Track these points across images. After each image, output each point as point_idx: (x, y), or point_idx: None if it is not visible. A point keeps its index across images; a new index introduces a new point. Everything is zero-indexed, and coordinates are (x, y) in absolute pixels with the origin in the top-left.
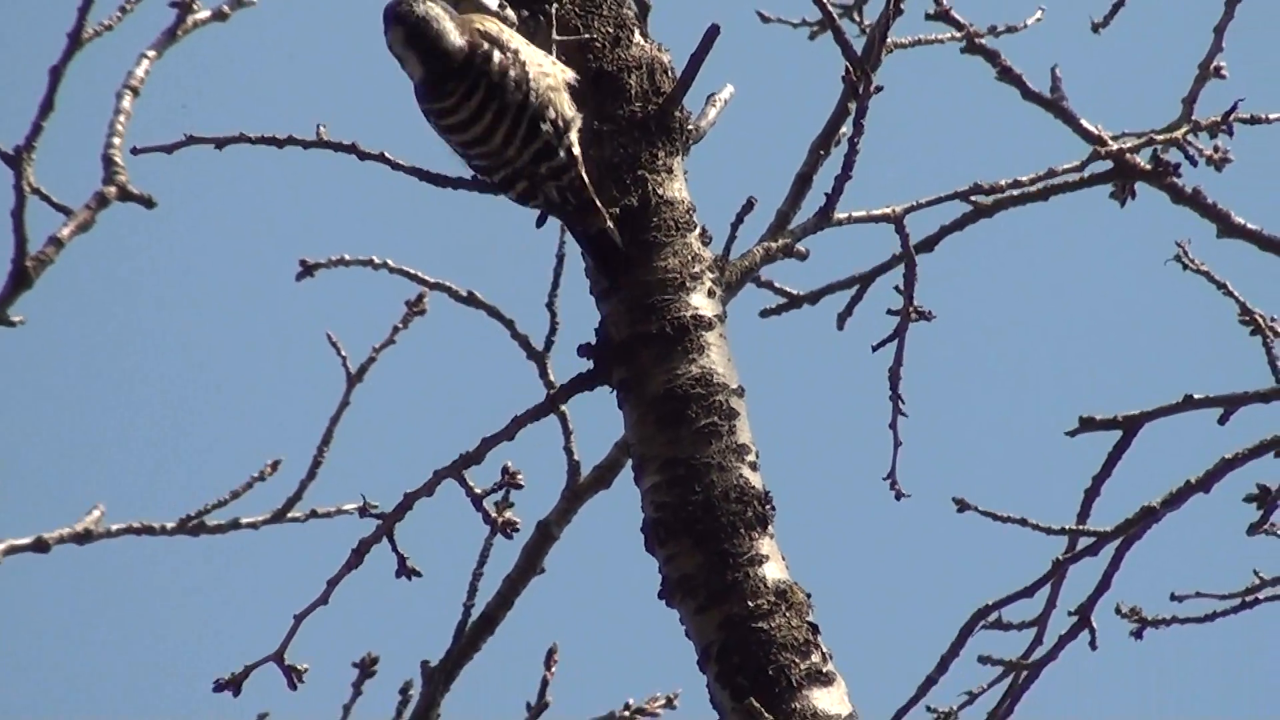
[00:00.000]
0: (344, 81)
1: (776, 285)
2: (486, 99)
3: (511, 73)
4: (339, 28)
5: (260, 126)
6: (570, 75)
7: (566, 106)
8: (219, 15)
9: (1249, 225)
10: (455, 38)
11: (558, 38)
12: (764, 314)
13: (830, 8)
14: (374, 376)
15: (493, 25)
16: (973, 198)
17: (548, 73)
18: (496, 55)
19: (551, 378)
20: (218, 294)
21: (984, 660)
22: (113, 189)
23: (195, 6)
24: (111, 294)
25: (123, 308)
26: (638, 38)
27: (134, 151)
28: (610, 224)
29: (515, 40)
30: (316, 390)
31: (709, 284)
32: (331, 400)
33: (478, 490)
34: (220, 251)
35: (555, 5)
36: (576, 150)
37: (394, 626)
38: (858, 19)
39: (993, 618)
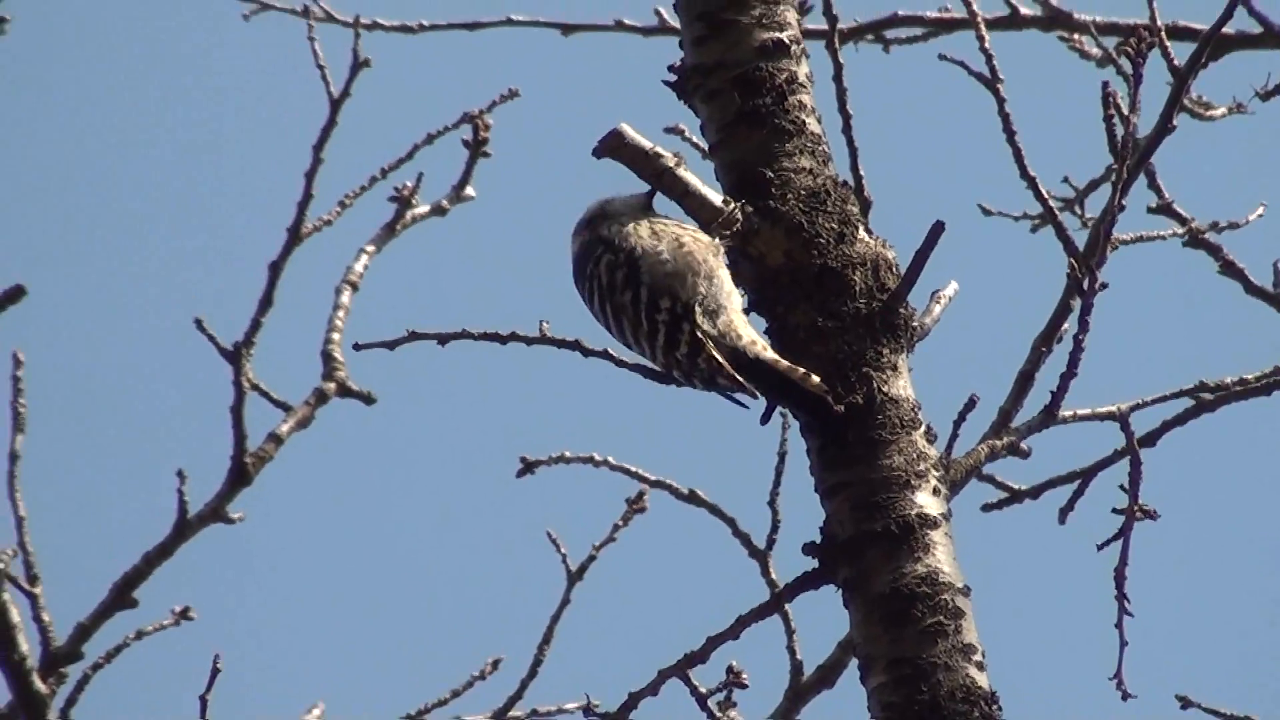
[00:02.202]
0: (565, 273)
1: (998, 479)
2: (601, 302)
3: (620, 273)
4: (557, 219)
5: (479, 320)
6: (704, 246)
7: (687, 289)
8: (438, 210)
9: None
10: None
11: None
12: (985, 508)
13: (1050, 201)
14: (595, 574)
15: (634, 227)
16: (1199, 395)
17: (665, 259)
18: (606, 258)
19: (773, 576)
20: (436, 490)
21: None
22: (332, 385)
23: (414, 201)
24: (329, 488)
25: (341, 502)
26: (862, 234)
27: (355, 348)
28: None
29: (634, 237)
30: (537, 588)
31: (934, 482)
32: (552, 598)
33: (702, 689)
34: (439, 447)
35: (772, 202)
36: (705, 326)
37: None
38: (1079, 212)
39: None
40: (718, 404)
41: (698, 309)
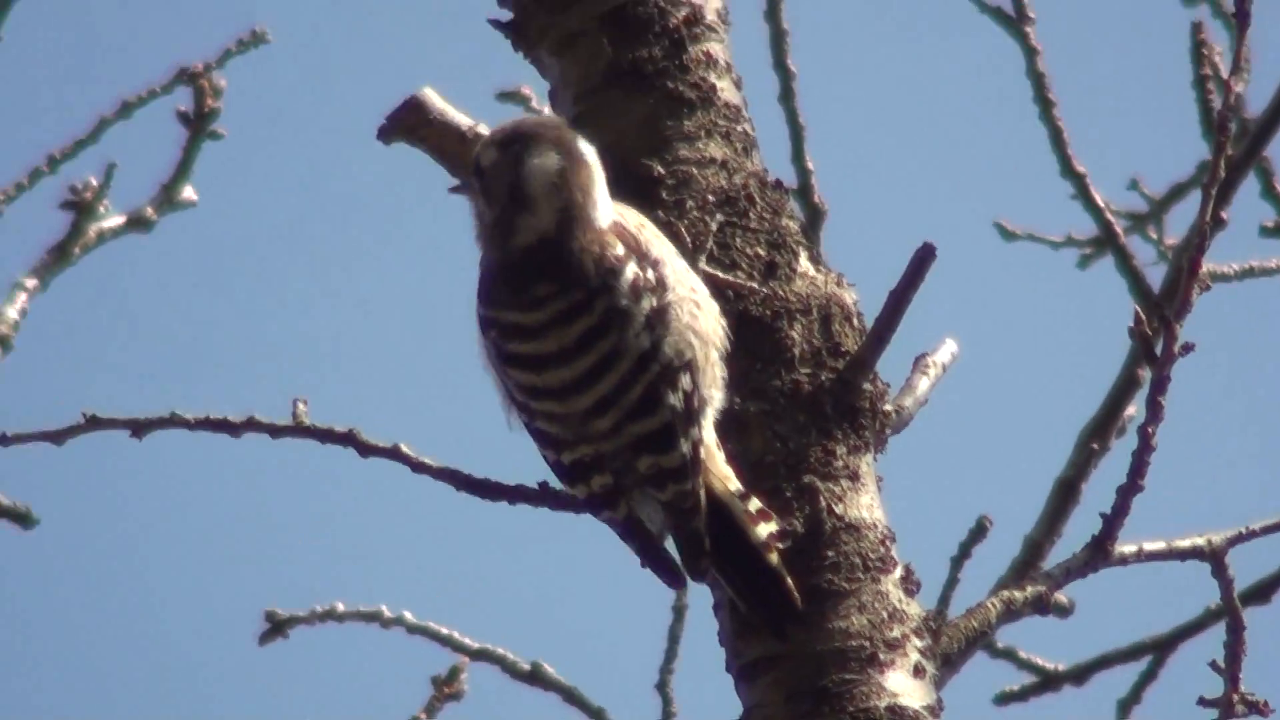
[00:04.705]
0: (337, 326)
1: (1021, 654)
2: (594, 333)
3: (646, 302)
4: (325, 234)
5: (199, 396)
6: (723, 325)
7: (712, 373)
8: (138, 221)
9: None
10: (600, 210)
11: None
12: (1001, 700)
13: (1111, 216)
14: None
15: (630, 214)
16: None
17: (699, 310)
18: (631, 269)
19: None
20: (138, 660)
21: None
22: None
23: (101, 208)
24: None
25: None
26: (805, 264)
27: (2, 441)
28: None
29: (658, 245)
30: None
31: (916, 656)
32: None
33: None
34: (140, 592)
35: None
36: (705, 449)
37: None
38: (1154, 235)
39: None
40: (578, 533)
41: (710, 409)
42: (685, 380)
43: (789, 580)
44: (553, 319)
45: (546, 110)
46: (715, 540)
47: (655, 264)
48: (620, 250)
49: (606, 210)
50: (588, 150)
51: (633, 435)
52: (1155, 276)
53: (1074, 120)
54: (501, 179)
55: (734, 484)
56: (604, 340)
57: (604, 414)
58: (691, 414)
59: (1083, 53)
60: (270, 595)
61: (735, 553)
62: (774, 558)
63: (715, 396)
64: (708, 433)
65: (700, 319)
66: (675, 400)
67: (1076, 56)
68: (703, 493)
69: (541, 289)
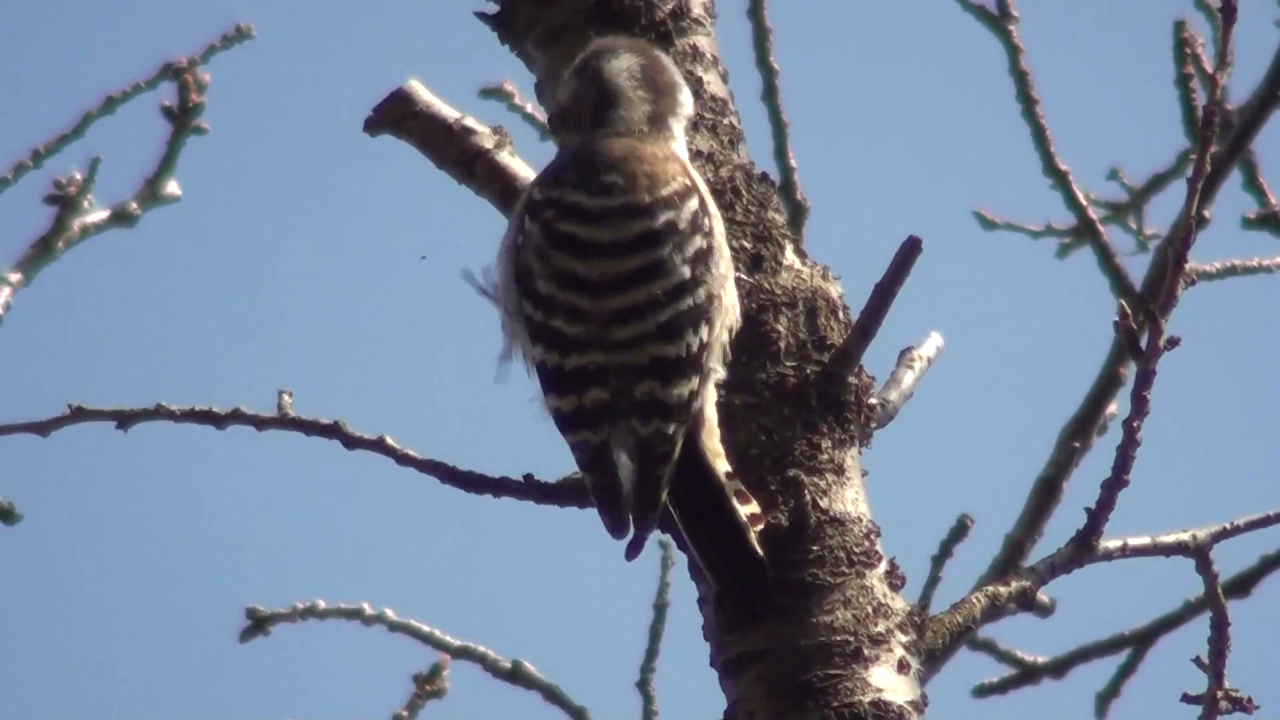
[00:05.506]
0: (325, 312)
1: (1002, 647)
2: (650, 239)
3: (699, 239)
4: (305, 230)
5: (182, 389)
6: (738, 308)
7: (725, 341)
8: (121, 215)
9: None
10: (678, 129)
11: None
12: (980, 692)
13: (1091, 208)
14: None
15: (697, 173)
16: None
17: (727, 284)
18: (694, 202)
19: None
20: (112, 653)
21: None
22: None
23: (85, 203)
24: None
25: None
26: (790, 256)
27: None
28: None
29: (713, 206)
30: None
31: (900, 651)
32: None
33: None
34: (120, 585)
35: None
36: (699, 404)
37: None
38: (1135, 225)
39: None
40: (562, 521)
41: (712, 379)
42: (704, 331)
43: (765, 562)
44: (617, 210)
45: (530, 107)
46: (699, 513)
47: (711, 215)
48: (690, 181)
49: (683, 139)
50: (672, 66)
51: (648, 355)
52: (1135, 266)
53: (1055, 108)
54: (585, 92)
55: (724, 463)
56: (657, 249)
57: (628, 323)
58: (700, 364)
59: (1065, 40)
60: (252, 591)
61: (717, 528)
62: (754, 539)
63: (718, 370)
64: (709, 399)
65: (728, 290)
66: (694, 340)
67: (1058, 42)
68: (680, 443)
69: (615, 178)
